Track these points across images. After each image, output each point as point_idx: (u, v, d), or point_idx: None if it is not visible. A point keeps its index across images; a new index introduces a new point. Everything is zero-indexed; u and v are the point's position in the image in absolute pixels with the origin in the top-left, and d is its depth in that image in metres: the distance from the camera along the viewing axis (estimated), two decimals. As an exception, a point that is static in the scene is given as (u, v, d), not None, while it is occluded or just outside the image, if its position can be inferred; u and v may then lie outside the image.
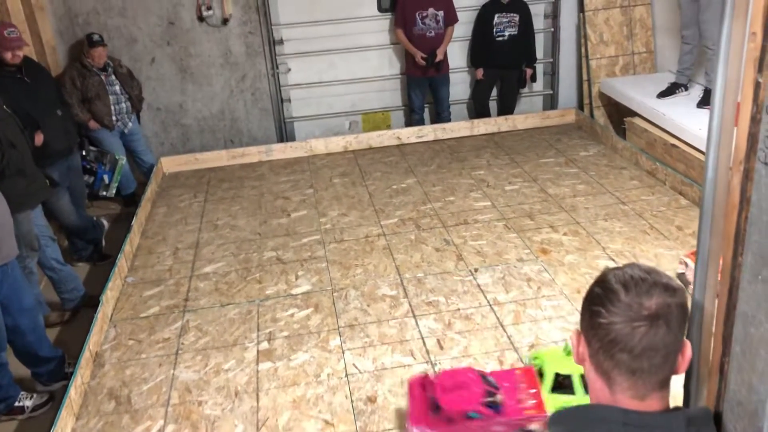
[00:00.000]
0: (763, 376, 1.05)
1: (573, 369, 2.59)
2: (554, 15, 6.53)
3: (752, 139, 1.03)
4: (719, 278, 1.17)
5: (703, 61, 5.29)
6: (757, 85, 1.01)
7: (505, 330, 3.27)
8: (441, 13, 5.94)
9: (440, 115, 6.40)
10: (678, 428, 1.03)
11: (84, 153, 5.09)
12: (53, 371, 3.51)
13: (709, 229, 1.19)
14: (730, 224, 1.12)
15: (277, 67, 6.26)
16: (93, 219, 4.96)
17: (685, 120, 4.90)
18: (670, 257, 3.78)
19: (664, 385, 1.09)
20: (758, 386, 1.07)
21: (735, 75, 1.07)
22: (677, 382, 1.26)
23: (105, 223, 5.05)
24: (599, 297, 1.09)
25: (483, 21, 6.16)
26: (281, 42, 6.27)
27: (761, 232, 1.02)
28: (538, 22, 6.49)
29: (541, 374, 2.63)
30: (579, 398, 2.52)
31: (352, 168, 5.67)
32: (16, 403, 3.32)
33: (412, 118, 6.44)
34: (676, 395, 1.19)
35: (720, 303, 1.17)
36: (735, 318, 1.12)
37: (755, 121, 1.02)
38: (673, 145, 5.00)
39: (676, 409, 1.08)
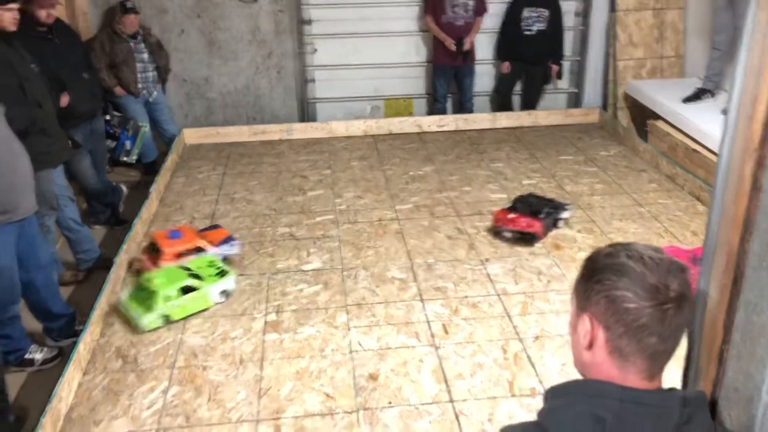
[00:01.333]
0: (761, 363, 1.06)
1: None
2: (585, 13, 6.48)
3: (767, 128, 1.04)
4: (725, 266, 1.17)
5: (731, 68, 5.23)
6: (777, 72, 1.01)
7: (511, 320, 3.28)
8: (471, 2, 5.93)
9: (463, 106, 6.40)
10: (673, 407, 1.03)
11: (108, 118, 5.15)
12: (64, 328, 3.58)
13: (718, 217, 1.19)
14: (740, 212, 1.12)
15: (304, 47, 6.28)
16: (112, 183, 5.02)
17: (709, 126, 4.86)
18: (682, 261, 3.75)
19: (664, 367, 1.11)
20: (755, 374, 1.07)
21: (756, 63, 1.07)
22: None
23: (124, 188, 5.12)
24: (619, 280, 1.05)
25: (512, 14, 6.14)
26: (309, 22, 6.29)
27: (770, 219, 1.02)
28: (569, 20, 6.46)
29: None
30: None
31: (370, 152, 5.69)
32: (27, 356, 3.39)
33: (435, 107, 6.43)
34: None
35: (724, 291, 1.17)
36: (738, 306, 1.12)
37: (772, 108, 1.03)
38: (695, 151, 4.96)
39: (672, 389, 1.09)
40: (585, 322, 1.11)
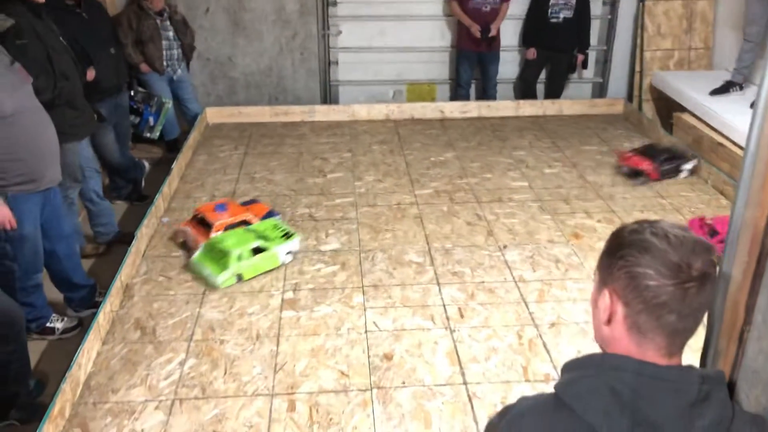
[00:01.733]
0: (782, 345, 1.05)
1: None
2: (612, 2, 6.41)
3: (800, 105, 1.02)
4: (749, 248, 1.16)
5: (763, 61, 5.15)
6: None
7: (527, 306, 3.28)
8: (498, -12, 5.88)
9: (487, 92, 6.36)
10: (691, 384, 1.03)
11: (132, 93, 5.19)
12: (85, 298, 3.64)
13: (745, 198, 1.18)
14: (766, 193, 1.10)
15: (329, 29, 6.28)
16: (135, 159, 5.07)
17: (736, 119, 4.79)
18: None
19: (684, 345, 1.10)
20: (776, 355, 1.06)
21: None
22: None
23: (146, 164, 5.17)
24: (642, 257, 1.04)
25: (538, 1, 6.08)
26: (335, 3, 6.28)
27: (798, 199, 1.01)
28: (596, 8, 6.38)
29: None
30: None
31: (392, 136, 5.68)
32: (48, 324, 3.46)
33: (458, 93, 6.41)
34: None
35: (747, 272, 1.16)
36: (760, 287, 1.11)
37: (805, 86, 1.01)
38: (720, 144, 4.89)
39: (690, 366, 1.08)
40: (605, 297, 1.10)
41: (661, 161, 4.64)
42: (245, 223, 3.78)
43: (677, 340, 1.07)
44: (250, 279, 3.49)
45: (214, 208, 3.84)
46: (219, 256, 3.47)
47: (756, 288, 1.13)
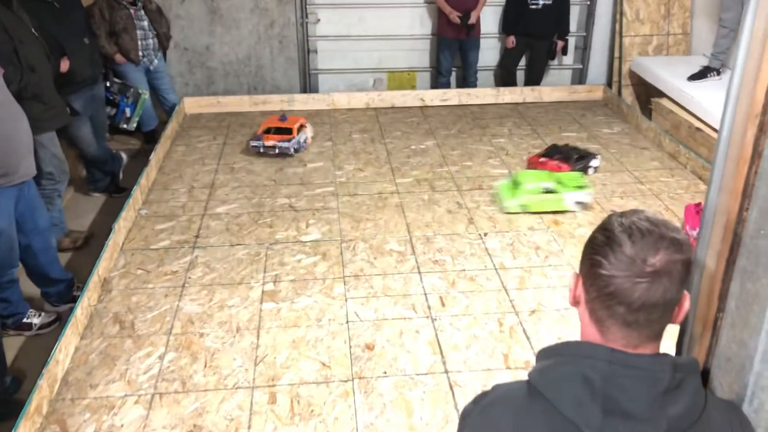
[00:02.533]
0: (754, 331, 1.05)
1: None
2: (592, -12, 6.40)
3: (771, 91, 1.02)
4: (723, 234, 1.16)
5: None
6: (782, 35, 0.99)
7: (508, 293, 3.29)
8: (477, -25, 5.85)
9: (467, 80, 6.35)
10: (663, 372, 1.03)
11: (108, 84, 5.11)
12: (62, 293, 3.59)
13: (718, 185, 1.18)
14: (740, 179, 1.10)
15: (307, 17, 6.22)
16: (112, 151, 5.00)
17: (714, 104, 4.82)
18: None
19: (659, 336, 1.09)
20: (748, 341, 1.07)
21: (762, 27, 1.05)
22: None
23: (124, 156, 5.10)
24: (602, 246, 1.05)
25: (518, -13, 6.06)
26: (313, -9, 6.21)
27: (769, 186, 1.01)
28: (575, -6, 6.37)
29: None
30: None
31: (372, 125, 5.65)
32: (25, 320, 3.41)
33: (439, 81, 6.39)
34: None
35: (720, 259, 1.16)
36: (734, 274, 1.11)
37: (776, 72, 1.01)
38: (698, 129, 4.93)
39: (664, 354, 1.08)
40: (574, 280, 1.13)
41: (574, 161, 4.55)
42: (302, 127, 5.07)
43: (634, 332, 1.05)
44: (534, 212, 4.02)
45: (279, 119, 5.07)
46: (515, 186, 4.08)
47: (729, 275, 1.13)
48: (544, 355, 1.12)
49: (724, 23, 5.10)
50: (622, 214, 1.08)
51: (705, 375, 1.20)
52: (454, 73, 6.48)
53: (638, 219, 1.05)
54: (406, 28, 6.43)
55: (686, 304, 1.08)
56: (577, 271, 1.14)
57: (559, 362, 1.08)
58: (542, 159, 4.60)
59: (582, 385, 1.03)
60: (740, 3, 4.90)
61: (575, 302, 1.14)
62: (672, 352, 1.28)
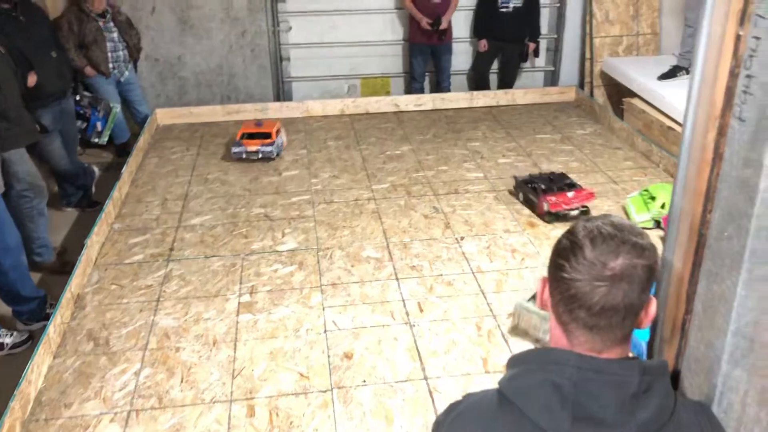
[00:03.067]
0: (720, 332, 1.06)
1: None
2: (561, -10, 6.46)
3: (729, 93, 1.02)
4: (688, 236, 1.17)
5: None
6: (738, 39, 1.00)
7: (485, 297, 3.29)
8: (448, -20, 5.88)
9: (440, 85, 6.37)
10: (632, 376, 1.03)
11: (78, 98, 5.05)
12: (34, 311, 3.53)
13: (683, 187, 1.18)
14: (702, 181, 1.11)
15: (278, 25, 6.20)
16: (84, 165, 4.95)
17: (684, 103, 4.87)
18: (653, 236, 3.78)
19: (624, 340, 1.09)
20: (715, 342, 1.07)
21: (719, 30, 1.06)
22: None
23: (96, 170, 5.04)
24: (565, 250, 1.07)
25: (488, -9, 6.10)
26: (284, -1, 6.21)
27: (730, 188, 1.01)
28: (545, -3, 6.43)
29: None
30: None
31: (347, 132, 5.65)
32: (-4, 340, 3.35)
33: (412, 86, 6.40)
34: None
35: (686, 261, 1.17)
36: (699, 275, 1.12)
37: (733, 75, 1.01)
38: (670, 128, 4.98)
39: (633, 358, 1.08)
40: (542, 285, 1.15)
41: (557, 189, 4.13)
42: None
43: (597, 337, 1.06)
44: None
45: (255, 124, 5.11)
46: (647, 199, 4.01)
47: (696, 277, 1.14)
48: (513, 362, 1.12)
49: (690, 23, 5.18)
50: (589, 219, 1.09)
51: (675, 376, 1.21)
52: (427, 78, 6.49)
53: (602, 224, 1.06)
54: (378, 34, 6.44)
55: (652, 309, 1.08)
56: (546, 275, 1.15)
57: (528, 369, 1.08)
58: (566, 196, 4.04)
59: (551, 392, 1.03)
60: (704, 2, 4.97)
61: (544, 305, 1.14)
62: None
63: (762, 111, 0.94)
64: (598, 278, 1.02)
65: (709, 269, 1.08)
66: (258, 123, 5.13)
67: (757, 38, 0.94)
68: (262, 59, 6.30)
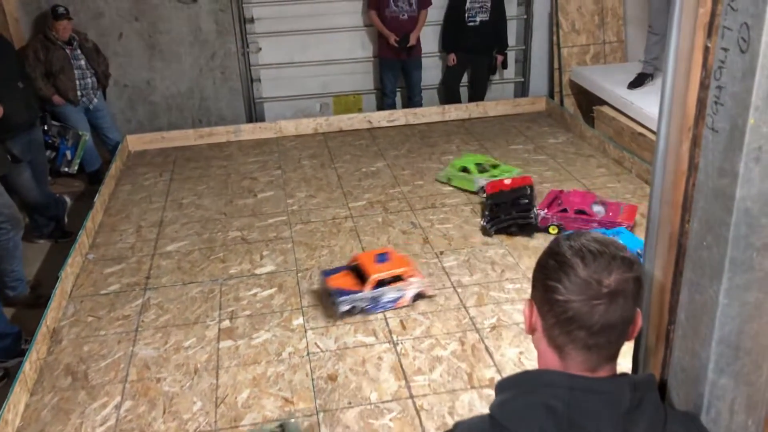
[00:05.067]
0: (705, 342, 1.06)
1: None
2: (527, 2, 6.54)
3: (701, 104, 1.03)
4: (668, 247, 1.17)
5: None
6: (706, 50, 1.01)
7: (467, 311, 3.28)
8: (415, -5, 5.92)
9: (412, 100, 6.39)
10: (623, 393, 1.03)
11: (46, 128, 4.98)
12: (9, 347, 3.44)
13: (659, 198, 1.19)
14: (679, 192, 1.12)
15: (248, 46, 6.19)
16: (55, 195, 4.86)
17: (653, 109, 4.94)
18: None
19: (615, 357, 1.09)
20: (700, 352, 1.07)
21: (687, 42, 1.07)
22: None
23: (68, 200, 4.96)
24: (555, 271, 1.04)
25: (455, 5, 6.16)
26: (252, 20, 6.20)
27: (707, 198, 1.02)
28: (511, 9, 6.50)
29: None
30: None
31: (321, 150, 5.64)
32: (-30, 379, 3.26)
33: (384, 102, 6.41)
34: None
35: (667, 271, 1.17)
36: (681, 285, 1.12)
37: (704, 86, 1.02)
38: (640, 134, 5.05)
39: (622, 375, 1.08)
40: (528, 308, 1.12)
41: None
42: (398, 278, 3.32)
43: (594, 355, 1.05)
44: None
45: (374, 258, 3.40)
46: (461, 171, 4.68)
47: (678, 287, 1.14)
48: (503, 386, 1.10)
49: (654, 30, 5.27)
50: (569, 237, 1.08)
51: (662, 387, 1.21)
52: (398, 94, 6.52)
53: (587, 241, 1.05)
54: (348, 52, 6.46)
55: (639, 321, 1.08)
56: (529, 297, 1.13)
57: (519, 393, 1.06)
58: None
59: (545, 415, 1.02)
60: (667, 11, 5.06)
61: (531, 330, 1.12)
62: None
63: (734, 121, 0.95)
64: (595, 297, 1.01)
65: (691, 279, 1.09)
66: (381, 258, 3.41)
67: (725, 49, 0.95)
68: (232, 81, 6.28)
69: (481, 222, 4.05)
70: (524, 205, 3.98)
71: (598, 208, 3.95)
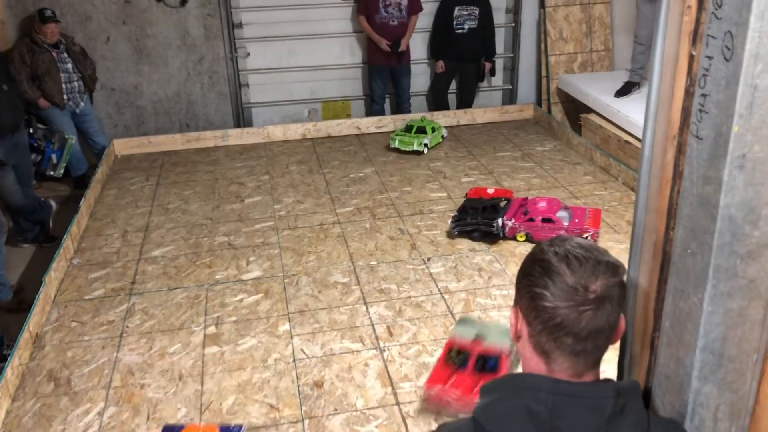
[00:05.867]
0: (689, 349, 1.06)
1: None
2: (515, 10, 6.58)
3: (685, 112, 1.04)
4: (653, 254, 1.17)
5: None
6: (691, 58, 1.02)
7: (454, 318, 3.28)
8: (404, 2, 5.94)
9: (401, 106, 6.41)
10: (606, 398, 1.03)
11: (31, 131, 4.94)
12: (-10, 353, 3.41)
13: (644, 205, 1.19)
14: (664, 199, 1.12)
15: (236, 51, 6.18)
16: (40, 199, 4.82)
17: (639, 117, 4.97)
18: (619, 250, 3.83)
19: (599, 362, 1.10)
20: (685, 359, 1.07)
21: (672, 50, 1.08)
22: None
23: (53, 204, 4.92)
24: (540, 277, 1.04)
25: (443, 13, 6.18)
26: (240, 25, 6.19)
27: (691, 205, 1.02)
28: (500, 17, 6.54)
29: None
30: None
31: (309, 156, 5.63)
32: (-50, 385, 3.21)
33: (373, 108, 6.42)
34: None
35: (652, 279, 1.17)
36: (666, 293, 1.12)
37: (689, 94, 1.03)
38: (627, 142, 5.08)
39: (606, 380, 1.08)
40: (514, 315, 1.12)
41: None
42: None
43: (581, 360, 1.06)
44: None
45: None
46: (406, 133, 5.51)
47: (662, 294, 1.14)
48: (487, 390, 1.10)
49: (640, 40, 5.31)
50: (552, 243, 1.08)
51: (647, 394, 1.21)
52: (387, 100, 6.52)
53: (571, 247, 1.06)
54: (337, 58, 6.46)
55: (622, 325, 1.09)
56: (514, 305, 1.13)
57: (503, 397, 1.06)
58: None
59: (528, 419, 1.02)
60: (653, 20, 5.11)
61: (517, 337, 1.12)
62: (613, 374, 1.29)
63: (718, 129, 0.95)
64: (582, 303, 1.01)
65: (675, 286, 1.09)
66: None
67: (710, 57, 0.96)
68: (220, 86, 6.26)
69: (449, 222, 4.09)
70: (491, 214, 3.98)
71: (563, 214, 3.98)
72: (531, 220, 3.92)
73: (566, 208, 4.06)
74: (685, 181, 1.04)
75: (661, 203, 1.13)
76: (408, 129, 5.58)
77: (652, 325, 1.18)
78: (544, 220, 3.90)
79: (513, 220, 3.93)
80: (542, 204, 3.99)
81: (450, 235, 4.05)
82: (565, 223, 3.90)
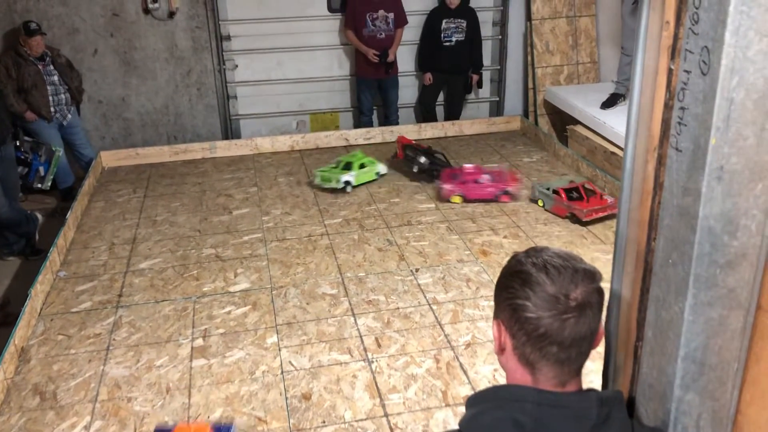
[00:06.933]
0: (671, 358, 1.07)
1: None
2: (502, 23, 6.63)
3: (665, 125, 1.06)
4: (635, 264, 1.19)
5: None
6: (670, 72, 1.04)
7: (442, 329, 3.29)
8: (391, 15, 5.98)
9: (389, 118, 6.43)
10: (590, 408, 1.04)
11: (18, 143, 4.92)
12: (-25, 367, 3.37)
13: (626, 216, 1.21)
14: (645, 210, 1.14)
15: (224, 63, 6.19)
16: (26, 212, 4.79)
17: (624, 128, 5.03)
18: (605, 260, 3.86)
19: (581, 370, 1.11)
20: (667, 368, 1.09)
21: (652, 64, 1.10)
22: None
23: (39, 216, 4.89)
24: (521, 289, 1.05)
25: (431, 26, 6.23)
26: (228, 38, 6.21)
27: (672, 216, 1.04)
28: (486, 29, 6.59)
29: None
30: None
31: (297, 167, 5.63)
32: (-66, 400, 3.17)
33: (361, 120, 6.45)
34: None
35: (635, 289, 1.19)
36: (648, 302, 1.14)
37: (668, 107, 1.05)
38: (613, 153, 5.12)
39: (590, 390, 1.09)
40: (496, 328, 1.12)
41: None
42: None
43: (565, 369, 1.07)
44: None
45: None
46: (336, 168, 5.16)
47: (645, 303, 1.16)
48: (473, 402, 1.11)
49: (626, 51, 5.37)
50: (528, 255, 1.09)
51: (631, 403, 1.22)
52: (375, 112, 6.55)
53: (549, 256, 1.07)
54: (325, 70, 6.49)
55: (602, 328, 1.11)
56: (495, 318, 1.13)
57: (488, 408, 1.07)
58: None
59: (513, 430, 1.02)
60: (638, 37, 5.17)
61: (501, 350, 1.12)
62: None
63: (696, 141, 0.97)
64: (565, 311, 1.03)
65: (657, 296, 1.10)
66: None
67: (688, 72, 0.98)
68: (208, 98, 6.27)
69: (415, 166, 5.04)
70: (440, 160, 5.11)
71: (486, 176, 4.76)
72: (463, 182, 4.70)
73: (488, 172, 4.85)
74: (666, 193, 1.05)
75: (642, 214, 1.15)
76: (339, 164, 5.18)
77: (635, 335, 1.19)
78: (474, 182, 4.71)
79: (450, 185, 4.69)
80: (469, 168, 4.90)
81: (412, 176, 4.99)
82: (490, 181, 4.73)
